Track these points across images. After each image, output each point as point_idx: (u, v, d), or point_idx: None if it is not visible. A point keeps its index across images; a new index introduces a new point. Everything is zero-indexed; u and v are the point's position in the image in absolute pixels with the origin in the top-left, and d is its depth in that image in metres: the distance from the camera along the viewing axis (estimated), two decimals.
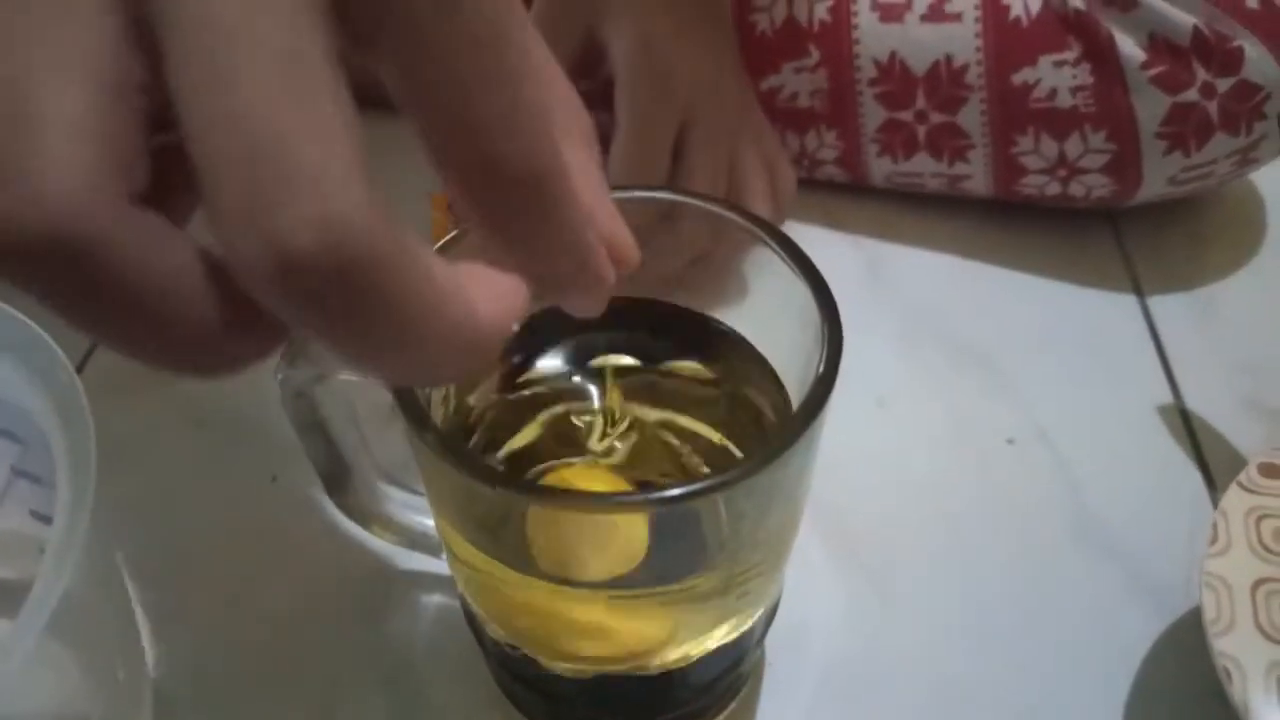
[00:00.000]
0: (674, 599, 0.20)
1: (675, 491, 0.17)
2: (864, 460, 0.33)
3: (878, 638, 0.29)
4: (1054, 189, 0.37)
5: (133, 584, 0.27)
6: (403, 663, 0.28)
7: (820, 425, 0.19)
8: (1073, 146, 0.35)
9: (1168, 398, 0.34)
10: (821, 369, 0.19)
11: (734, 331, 0.23)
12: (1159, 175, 0.35)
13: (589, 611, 0.21)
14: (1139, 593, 0.29)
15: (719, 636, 0.22)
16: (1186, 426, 0.33)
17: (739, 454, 0.23)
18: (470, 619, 0.25)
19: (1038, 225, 0.40)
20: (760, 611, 0.23)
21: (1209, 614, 0.22)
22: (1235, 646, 0.21)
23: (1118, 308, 0.38)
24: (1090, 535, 0.31)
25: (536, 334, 0.23)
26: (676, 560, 0.20)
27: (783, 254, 0.21)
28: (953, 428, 0.34)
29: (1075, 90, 0.34)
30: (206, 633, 0.29)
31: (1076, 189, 0.37)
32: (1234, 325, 0.37)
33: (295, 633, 0.29)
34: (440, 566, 0.27)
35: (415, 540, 0.27)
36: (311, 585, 0.30)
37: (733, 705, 0.27)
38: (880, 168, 0.39)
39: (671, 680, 0.23)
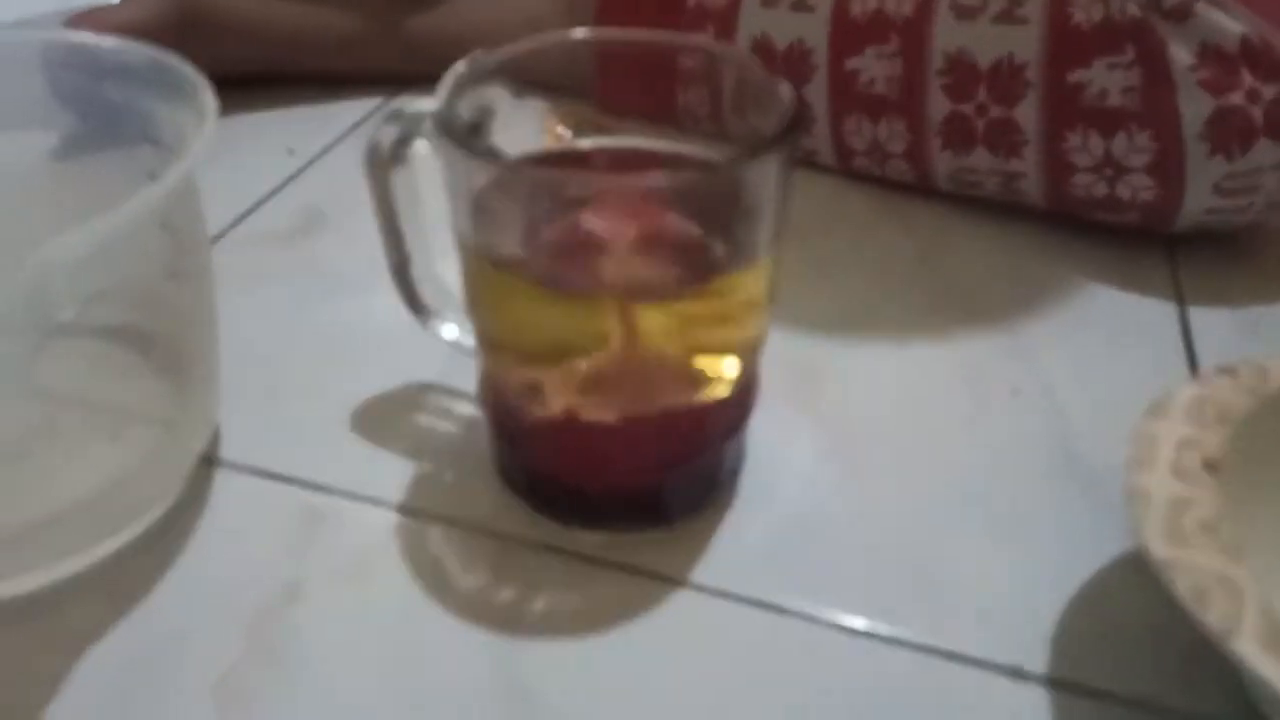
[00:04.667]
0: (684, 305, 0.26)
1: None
2: (875, 383, 0.35)
3: (846, 511, 0.30)
4: (1101, 189, 0.39)
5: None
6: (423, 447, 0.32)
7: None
8: (1119, 145, 0.38)
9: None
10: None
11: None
12: (1203, 180, 0.37)
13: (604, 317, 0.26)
14: (1109, 523, 0.30)
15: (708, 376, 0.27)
16: None
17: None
18: (487, 396, 0.29)
19: (1091, 238, 0.42)
20: (739, 371, 0.28)
21: (1131, 453, 0.23)
22: (1147, 480, 0.23)
23: (1154, 312, 0.39)
24: (1072, 470, 0.32)
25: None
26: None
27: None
28: (963, 374, 0.36)
29: (1125, 91, 0.37)
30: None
31: (1123, 190, 0.39)
32: (1275, 348, 0.37)
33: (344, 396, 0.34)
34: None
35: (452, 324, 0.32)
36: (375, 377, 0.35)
37: (698, 522, 0.30)
38: (943, 163, 0.42)
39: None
